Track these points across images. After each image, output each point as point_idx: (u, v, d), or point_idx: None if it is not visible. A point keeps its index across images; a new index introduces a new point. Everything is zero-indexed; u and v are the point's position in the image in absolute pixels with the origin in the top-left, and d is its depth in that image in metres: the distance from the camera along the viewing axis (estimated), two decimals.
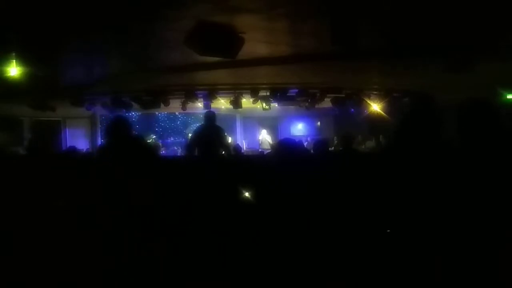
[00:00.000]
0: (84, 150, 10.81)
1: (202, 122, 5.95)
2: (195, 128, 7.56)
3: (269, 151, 12.65)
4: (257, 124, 14.60)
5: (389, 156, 2.79)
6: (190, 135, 6.83)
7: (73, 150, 7.02)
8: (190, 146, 5.76)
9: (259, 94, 9.68)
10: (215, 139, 5.53)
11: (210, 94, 9.61)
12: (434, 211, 2.32)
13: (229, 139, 13.80)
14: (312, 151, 5.57)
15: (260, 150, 13.10)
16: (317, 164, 3.87)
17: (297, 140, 3.98)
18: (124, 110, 10.06)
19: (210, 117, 5.70)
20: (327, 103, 10.36)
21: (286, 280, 2.66)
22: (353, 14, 4.15)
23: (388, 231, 2.84)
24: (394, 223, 2.74)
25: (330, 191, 2.95)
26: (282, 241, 2.72)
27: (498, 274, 2.08)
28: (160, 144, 13.75)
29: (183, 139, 15.23)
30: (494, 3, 4.08)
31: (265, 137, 14.00)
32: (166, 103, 9.75)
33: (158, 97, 9.59)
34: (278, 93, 9.46)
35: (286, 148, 3.25)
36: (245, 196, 3.26)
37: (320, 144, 5.31)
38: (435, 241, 2.30)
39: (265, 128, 14.25)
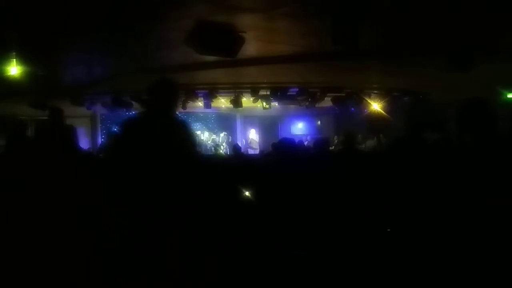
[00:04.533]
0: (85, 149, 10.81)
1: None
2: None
3: (256, 151, 12.66)
4: (257, 123, 14.60)
5: (389, 155, 2.79)
6: None
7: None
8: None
9: (260, 93, 9.67)
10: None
11: (210, 93, 9.61)
12: (435, 208, 2.32)
13: (229, 138, 13.84)
14: (312, 150, 5.56)
15: (248, 149, 13.07)
16: (317, 164, 3.86)
17: (295, 140, 3.94)
18: (125, 110, 10.04)
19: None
20: (327, 102, 10.35)
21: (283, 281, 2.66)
22: (354, 14, 4.15)
23: (388, 230, 2.85)
24: (396, 222, 2.74)
25: (329, 192, 2.94)
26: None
27: (497, 273, 2.08)
28: None
29: None
30: (494, 4, 4.08)
31: (253, 137, 13.99)
32: None
33: None
34: (278, 92, 9.44)
35: (283, 148, 3.24)
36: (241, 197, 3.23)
37: (321, 143, 5.31)
38: (434, 240, 2.30)
39: (253, 128, 14.25)
